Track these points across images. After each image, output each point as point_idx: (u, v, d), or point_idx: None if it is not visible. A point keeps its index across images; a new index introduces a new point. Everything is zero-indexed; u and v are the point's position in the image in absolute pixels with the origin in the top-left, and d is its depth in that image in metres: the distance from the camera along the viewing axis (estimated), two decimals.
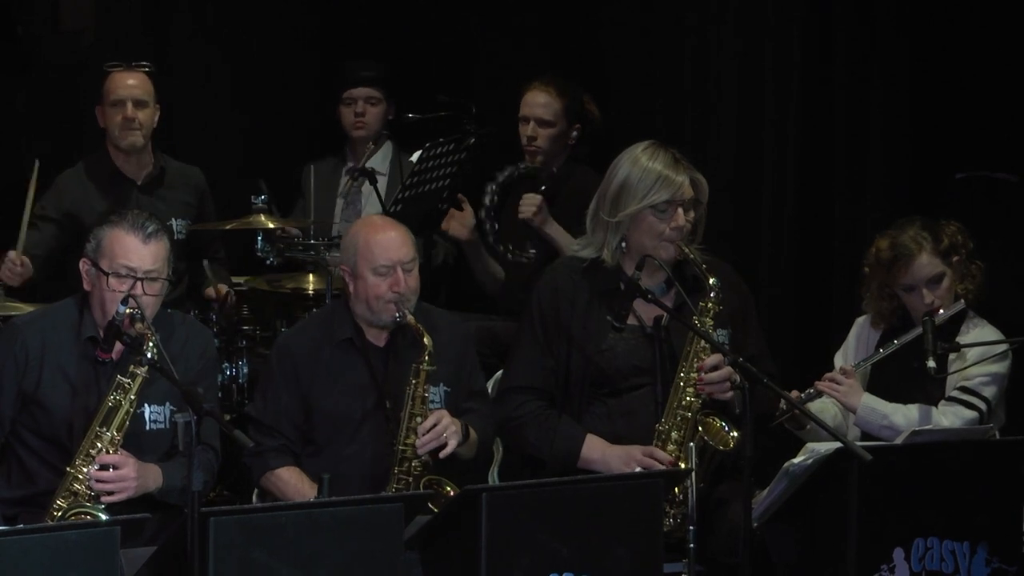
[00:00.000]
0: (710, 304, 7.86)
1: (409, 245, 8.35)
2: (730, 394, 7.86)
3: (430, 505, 7.60)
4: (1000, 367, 8.13)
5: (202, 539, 6.71)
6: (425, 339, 7.93)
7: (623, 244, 8.02)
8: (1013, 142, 10.57)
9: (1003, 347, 8.15)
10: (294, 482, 7.99)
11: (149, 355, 7.37)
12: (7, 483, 7.81)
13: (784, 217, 10.83)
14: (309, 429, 8.18)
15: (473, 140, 10.69)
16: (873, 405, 7.97)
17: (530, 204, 9.73)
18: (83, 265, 7.95)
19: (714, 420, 7.94)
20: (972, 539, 7.86)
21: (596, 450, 7.91)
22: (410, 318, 7.91)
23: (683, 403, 7.87)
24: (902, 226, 8.42)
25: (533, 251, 10.34)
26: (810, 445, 7.86)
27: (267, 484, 8.14)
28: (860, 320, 8.65)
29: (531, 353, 8.25)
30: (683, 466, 7.74)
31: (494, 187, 10.79)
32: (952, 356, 8.20)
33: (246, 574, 6.90)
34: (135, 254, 7.70)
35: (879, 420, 7.97)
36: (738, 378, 7.57)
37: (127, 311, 7.52)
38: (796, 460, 7.71)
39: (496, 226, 10.87)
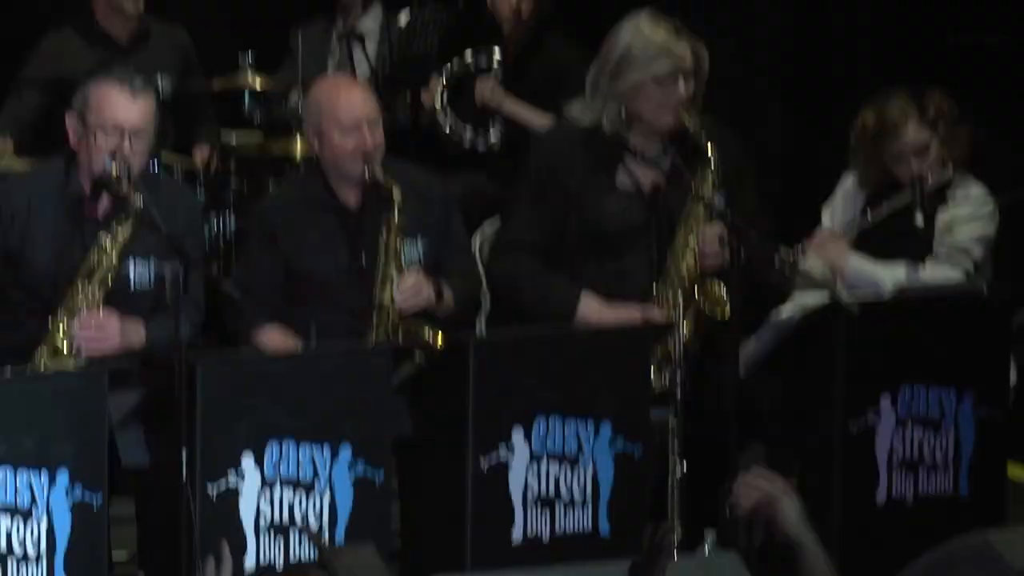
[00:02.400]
0: (708, 172, 8.02)
1: (372, 102, 8.71)
2: (724, 254, 8.05)
3: (415, 357, 7.94)
4: (988, 227, 8.43)
5: (190, 387, 7.13)
6: (394, 192, 8.23)
7: (623, 112, 8.26)
8: (1000, 4, 10.72)
9: (990, 207, 8.46)
10: (279, 338, 8.30)
11: (136, 207, 7.60)
12: (2, 325, 8.27)
13: (777, 81, 10.89)
14: (290, 289, 8.51)
15: None
16: (860, 264, 8.29)
17: (482, 88, 9.83)
18: (69, 120, 8.14)
19: (715, 285, 8.19)
20: (959, 386, 8.31)
21: (592, 309, 8.21)
22: (378, 173, 8.17)
23: (681, 268, 8.20)
24: (887, 96, 8.72)
25: (497, 134, 10.46)
26: (798, 299, 8.26)
27: (251, 340, 8.42)
28: (847, 181, 8.88)
29: (528, 209, 8.54)
30: (679, 326, 7.98)
31: (443, 81, 10.82)
32: (941, 221, 8.41)
33: (235, 421, 7.45)
34: (122, 110, 7.94)
35: (867, 278, 8.26)
36: (732, 241, 7.91)
37: (114, 167, 7.83)
38: (782, 315, 8.21)
39: (451, 115, 10.72)
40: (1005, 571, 6.85)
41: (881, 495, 8.23)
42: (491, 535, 7.80)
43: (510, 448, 7.79)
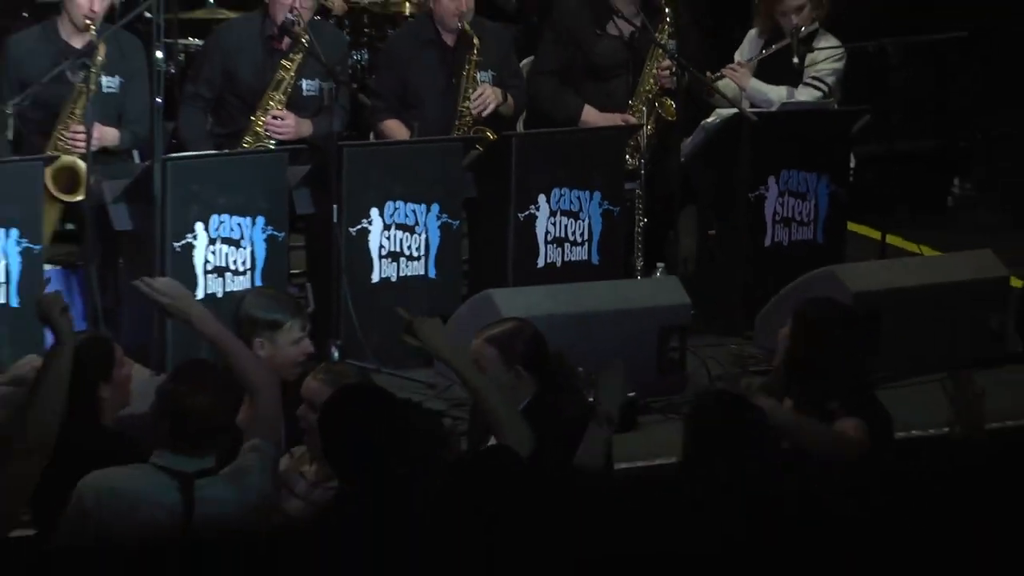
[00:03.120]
0: (664, 26, 8.32)
1: None
2: (673, 80, 8.42)
3: (478, 146, 8.21)
4: (839, 64, 8.70)
5: (338, 163, 7.66)
6: (475, 40, 8.26)
7: None
8: None
9: (840, 51, 8.71)
10: (397, 129, 8.34)
11: (305, 44, 7.90)
12: (220, 124, 8.31)
13: None
14: (405, 96, 8.49)
15: None
16: (757, 86, 8.56)
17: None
18: None
19: (667, 100, 8.41)
20: (818, 171, 8.62)
21: (591, 115, 8.41)
22: (466, 26, 8.22)
23: (646, 88, 8.42)
24: None
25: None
26: (718, 111, 8.57)
27: (379, 130, 8.50)
28: (751, 32, 8.89)
29: (551, 47, 8.62)
30: (645, 128, 8.35)
31: None
32: (808, 59, 8.70)
33: (369, 188, 7.94)
34: None
35: (761, 96, 8.57)
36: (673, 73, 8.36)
37: (292, 17, 7.93)
38: (708, 120, 8.54)
39: None
40: (841, 288, 7.42)
41: (768, 240, 8.53)
42: (523, 263, 8.15)
43: (537, 206, 8.14)
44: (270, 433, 5.37)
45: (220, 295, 7.39)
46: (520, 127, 8.47)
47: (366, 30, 9.43)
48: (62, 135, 7.51)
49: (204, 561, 4.11)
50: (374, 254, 7.84)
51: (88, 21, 7.46)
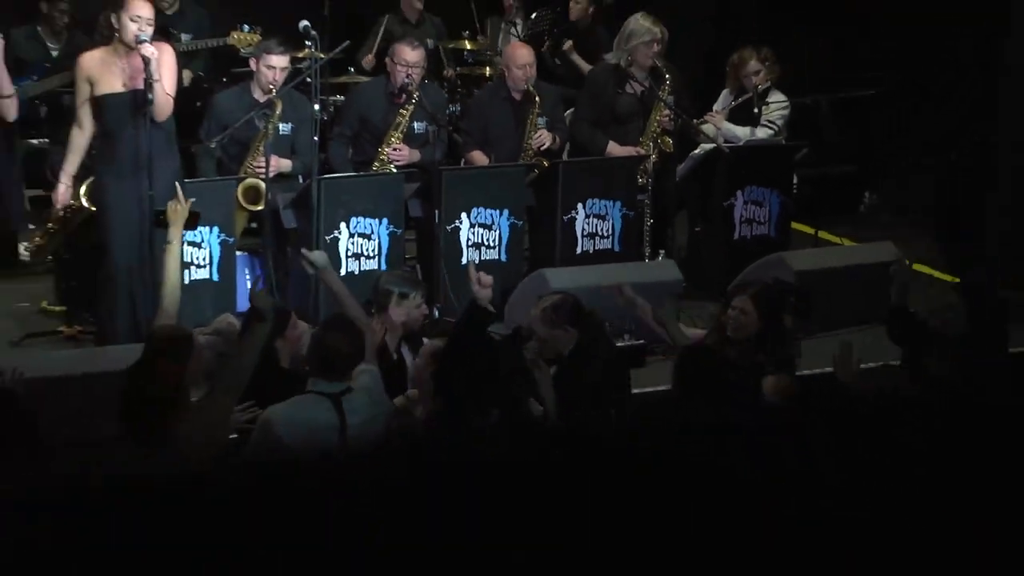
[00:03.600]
0: (665, 86, 8.15)
1: (531, 55, 8.36)
2: (671, 123, 8.33)
3: (536, 170, 8.14)
4: (785, 112, 8.61)
5: (439, 182, 7.74)
6: (536, 97, 8.16)
7: (628, 57, 8.15)
8: None
9: (785, 103, 8.66)
10: (479, 157, 8.22)
11: (416, 99, 7.90)
12: (356, 154, 8.16)
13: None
14: (486, 135, 8.31)
15: None
16: (729, 128, 8.44)
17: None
18: (388, 62, 8.13)
19: (667, 137, 8.28)
20: (771, 187, 8.54)
21: (614, 148, 8.20)
22: (530, 87, 8.12)
23: (652, 129, 8.23)
24: (743, 48, 8.58)
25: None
26: (703, 145, 8.53)
27: (467, 159, 8.35)
28: (724, 90, 8.70)
29: (587, 101, 8.39)
30: (651, 157, 8.25)
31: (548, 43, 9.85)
32: (763, 109, 8.58)
33: (460, 199, 7.81)
34: (410, 55, 7.94)
35: (732, 135, 8.43)
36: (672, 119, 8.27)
37: (406, 80, 7.91)
38: (695, 152, 8.57)
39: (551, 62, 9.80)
40: (787, 269, 7.35)
41: (736, 235, 8.45)
42: (566, 251, 8.08)
43: (576, 212, 8.07)
44: (372, 360, 5.41)
45: (356, 273, 7.37)
46: (564, 156, 8.42)
47: (459, 89, 9.35)
48: (250, 164, 7.53)
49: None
50: (463, 245, 7.81)
51: (271, 86, 7.49)
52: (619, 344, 6.77)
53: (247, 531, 2.26)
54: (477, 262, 7.71)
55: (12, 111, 6.50)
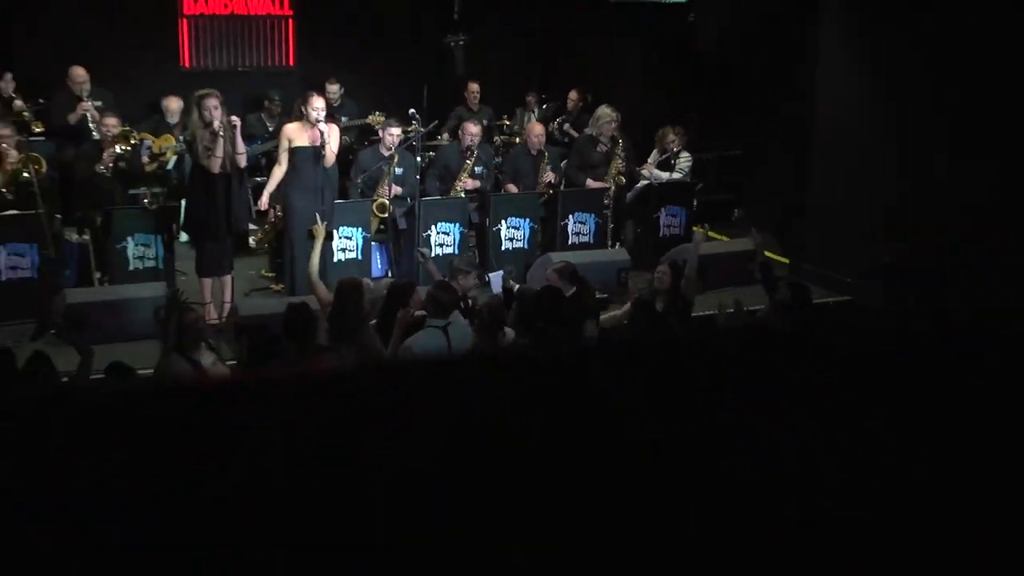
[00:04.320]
0: (619, 148, 7.84)
1: (542, 129, 7.90)
2: (623, 168, 7.90)
3: (545, 196, 7.65)
4: (689, 164, 8.22)
5: (487, 201, 7.46)
6: (545, 153, 7.73)
7: (598, 130, 7.80)
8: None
9: (690, 157, 8.23)
10: (512, 188, 7.73)
11: (475, 154, 7.49)
12: (441, 184, 7.52)
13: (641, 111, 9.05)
14: (516, 175, 7.86)
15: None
16: (657, 172, 8.11)
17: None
18: (460, 132, 7.60)
19: (622, 176, 7.91)
20: (681, 205, 8.02)
21: (591, 184, 7.81)
22: (542, 147, 7.77)
23: (612, 171, 7.90)
24: (666, 127, 8.20)
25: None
26: (642, 181, 8.14)
27: (505, 188, 7.73)
28: (654, 151, 8.25)
29: (575, 155, 8.03)
30: (611, 189, 7.85)
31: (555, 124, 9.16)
32: (676, 161, 8.18)
33: (500, 212, 7.36)
34: (472, 129, 7.45)
35: (658, 177, 8.08)
36: (624, 166, 7.87)
37: (471, 143, 7.42)
38: (638, 185, 8.14)
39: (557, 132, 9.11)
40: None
41: (660, 235, 8.00)
42: (562, 243, 7.60)
43: (568, 220, 7.70)
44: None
45: (440, 255, 7.01)
46: (562, 187, 8.03)
47: (501, 149, 8.92)
48: (379, 191, 7.30)
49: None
50: (503, 239, 7.53)
51: (391, 146, 7.32)
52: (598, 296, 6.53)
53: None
54: (512, 249, 7.56)
55: (243, 161, 6.53)
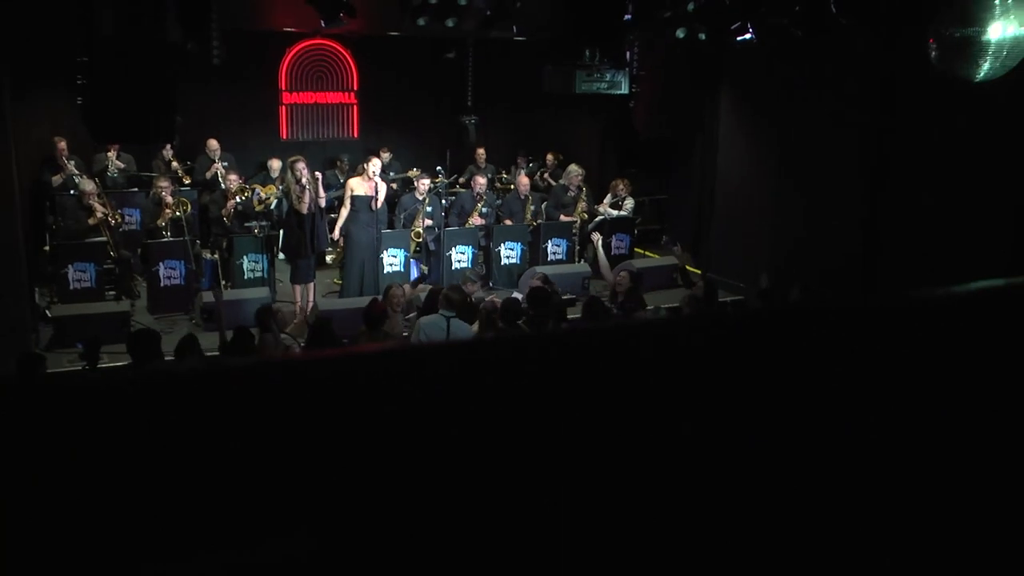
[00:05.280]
0: (583, 194, 7.64)
1: (528, 181, 7.54)
2: (585, 206, 7.64)
3: (532, 226, 7.38)
4: (632, 204, 7.82)
5: (492, 232, 7.19)
6: (529, 197, 7.40)
7: (568, 181, 7.60)
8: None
9: (632, 201, 7.85)
10: (509, 223, 7.33)
11: (484, 198, 7.26)
12: (459, 219, 7.17)
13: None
14: (511, 210, 7.41)
15: None
16: (608, 210, 7.75)
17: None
18: (471, 182, 7.35)
19: (584, 213, 7.58)
20: (626, 233, 7.58)
21: (564, 217, 7.51)
22: (528, 194, 7.41)
23: (579, 209, 7.69)
24: (617, 179, 7.79)
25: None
26: (600, 216, 7.79)
27: (503, 222, 7.35)
28: (608, 195, 7.90)
29: (552, 198, 7.76)
30: (576, 222, 7.50)
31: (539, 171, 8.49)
32: (624, 203, 7.79)
33: (500, 238, 7.09)
34: (481, 181, 7.25)
35: (610, 214, 7.72)
36: (587, 206, 7.66)
37: (480, 191, 7.25)
38: (596, 218, 7.76)
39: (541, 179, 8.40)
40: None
41: (613, 252, 7.59)
42: (543, 260, 7.26)
43: (548, 243, 7.39)
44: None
45: (458, 268, 6.88)
46: (542, 221, 7.75)
47: (501, 194, 8.53)
48: (415, 225, 7.08)
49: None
50: (502, 257, 7.35)
51: (423, 192, 7.09)
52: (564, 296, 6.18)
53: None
54: (510, 264, 7.29)
55: (323, 203, 6.28)
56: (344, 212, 6.54)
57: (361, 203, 6.44)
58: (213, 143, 7.69)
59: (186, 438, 0.52)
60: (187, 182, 7.48)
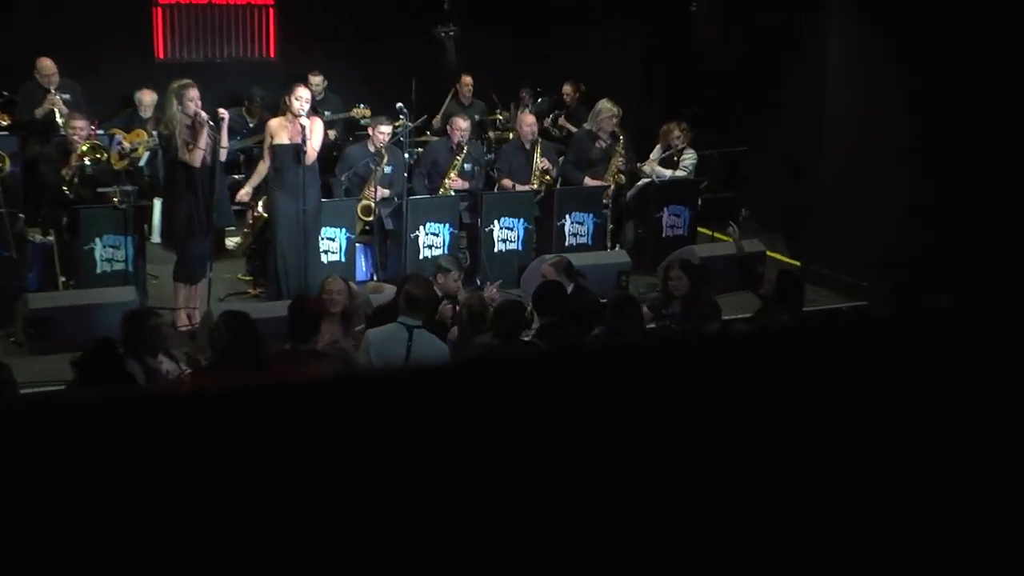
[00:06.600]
0: (620, 144, 7.82)
1: (534, 119, 7.91)
2: (623, 165, 7.86)
3: (541, 193, 7.65)
4: (693, 161, 8.03)
5: (480, 201, 7.39)
6: (538, 146, 7.68)
7: (597, 126, 7.78)
8: None
9: (694, 155, 8.06)
10: (508, 184, 7.71)
11: (465, 150, 7.50)
12: (430, 183, 7.51)
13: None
14: (511, 170, 7.73)
15: None
16: (659, 170, 7.96)
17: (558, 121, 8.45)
18: (448, 127, 7.68)
19: (621, 174, 7.85)
20: (685, 205, 8.00)
21: (588, 181, 7.79)
22: (535, 138, 7.68)
23: (612, 168, 7.88)
24: (671, 121, 8.06)
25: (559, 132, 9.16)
26: (643, 179, 8.01)
27: (500, 186, 7.77)
28: (657, 146, 8.11)
29: (573, 151, 8.03)
30: (611, 187, 7.79)
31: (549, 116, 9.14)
32: (681, 159, 8.02)
33: (493, 211, 7.31)
34: (462, 125, 7.50)
35: (661, 174, 7.93)
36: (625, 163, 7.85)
37: (460, 138, 7.48)
38: (639, 182, 8.03)
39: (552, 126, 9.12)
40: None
41: (664, 235, 7.83)
42: (559, 244, 7.54)
43: (565, 220, 7.59)
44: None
45: (429, 257, 7.02)
46: (558, 186, 7.99)
47: (494, 144, 8.89)
48: (365, 194, 7.27)
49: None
50: (495, 240, 7.45)
51: (380, 143, 7.26)
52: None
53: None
54: (504, 251, 7.51)
55: (224, 155, 6.49)
56: (262, 168, 6.53)
57: (284, 158, 6.38)
58: (47, 64, 7.20)
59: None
60: (4, 123, 7.06)
